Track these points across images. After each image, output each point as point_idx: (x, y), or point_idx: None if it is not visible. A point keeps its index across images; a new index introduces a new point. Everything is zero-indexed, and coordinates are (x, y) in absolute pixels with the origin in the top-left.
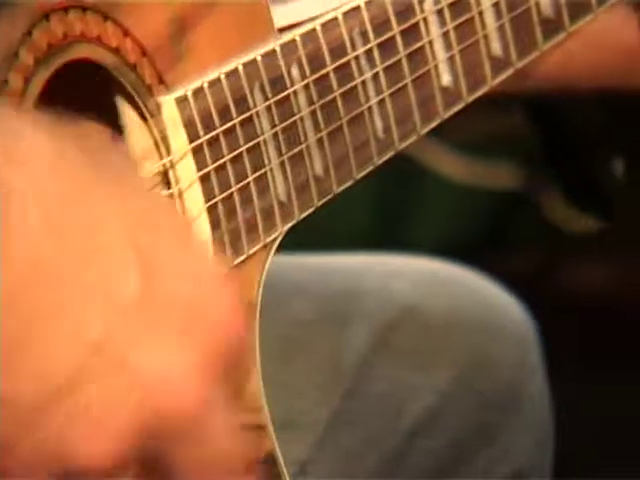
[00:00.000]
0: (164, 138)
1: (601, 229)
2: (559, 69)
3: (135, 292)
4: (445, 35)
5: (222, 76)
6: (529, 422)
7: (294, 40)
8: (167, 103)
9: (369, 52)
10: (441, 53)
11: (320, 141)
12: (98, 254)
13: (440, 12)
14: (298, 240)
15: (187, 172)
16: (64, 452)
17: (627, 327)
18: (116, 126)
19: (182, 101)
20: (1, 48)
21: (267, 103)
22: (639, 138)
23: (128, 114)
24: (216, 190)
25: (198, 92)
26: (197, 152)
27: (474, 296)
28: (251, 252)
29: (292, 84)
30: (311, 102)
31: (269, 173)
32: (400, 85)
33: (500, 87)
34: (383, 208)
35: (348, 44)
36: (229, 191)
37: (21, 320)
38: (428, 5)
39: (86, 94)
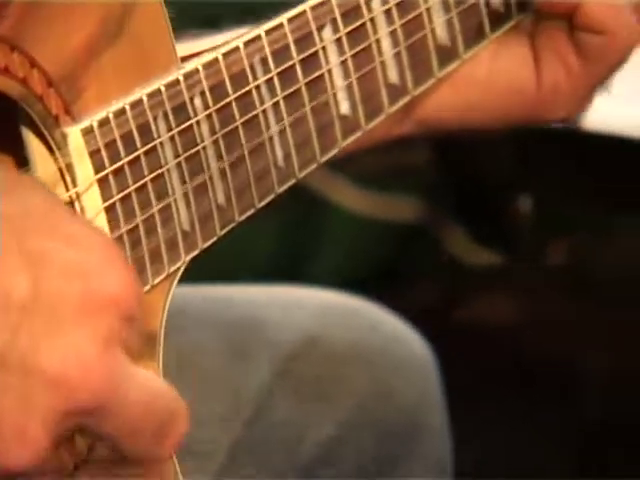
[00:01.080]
0: (70, 168)
1: (503, 264)
2: (458, 115)
3: (26, 293)
4: (343, 63)
5: (127, 106)
6: (429, 453)
7: (197, 69)
8: (73, 134)
9: (270, 81)
10: (339, 81)
11: (222, 170)
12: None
13: (339, 41)
14: (201, 271)
15: (93, 202)
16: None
17: (526, 360)
18: (22, 157)
19: (88, 132)
20: None
21: (170, 133)
22: (548, 175)
23: (34, 145)
24: (121, 220)
25: (103, 123)
26: (103, 182)
27: (375, 328)
28: (155, 282)
29: (195, 114)
30: (213, 132)
31: (173, 203)
32: (300, 114)
33: (405, 131)
34: (286, 240)
35: (249, 73)
36: (134, 222)
37: None
38: (327, 34)
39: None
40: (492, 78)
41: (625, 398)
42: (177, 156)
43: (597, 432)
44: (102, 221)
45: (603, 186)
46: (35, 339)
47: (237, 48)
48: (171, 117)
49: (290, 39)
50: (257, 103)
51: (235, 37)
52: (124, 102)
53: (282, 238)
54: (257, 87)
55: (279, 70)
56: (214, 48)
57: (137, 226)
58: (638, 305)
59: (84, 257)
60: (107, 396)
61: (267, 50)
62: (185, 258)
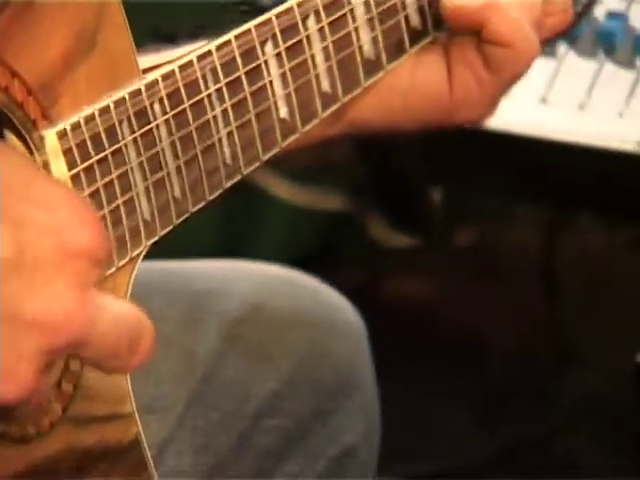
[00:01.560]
0: (46, 166)
1: (418, 246)
2: (382, 118)
3: (10, 252)
4: (283, 75)
5: (96, 112)
6: (359, 407)
7: (156, 80)
8: (49, 136)
9: (219, 90)
10: (279, 90)
11: (178, 168)
12: None
13: (278, 55)
14: (158, 252)
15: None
16: None
17: (438, 330)
18: None
19: (62, 134)
20: None
21: (133, 136)
22: (455, 170)
23: (15, 145)
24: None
25: (76, 126)
26: (75, 178)
27: (312, 296)
28: (120, 264)
29: (155, 119)
30: (170, 134)
31: (135, 196)
32: (245, 119)
33: (336, 132)
34: (229, 227)
35: (201, 83)
36: (102, 212)
37: None
38: (268, 49)
39: None
40: (411, 86)
41: (523, 363)
42: (139, 155)
43: (499, 391)
44: None
45: (504, 180)
46: (20, 291)
47: (191, 62)
48: (134, 121)
49: (237, 53)
50: (208, 109)
51: (189, 52)
52: (94, 108)
53: (226, 225)
54: (208, 95)
55: (227, 80)
56: (171, 61)
57: (104, 216)
58: (533, 283)
59: (58, 216)
60: (85, 332)
61: (217, 63)
62: (146, 243)
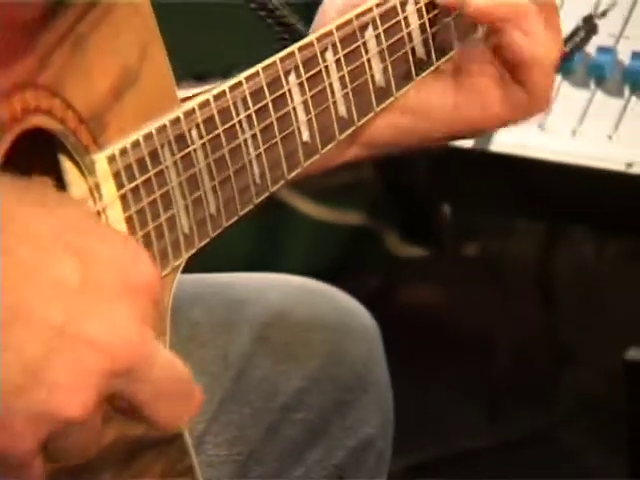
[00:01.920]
0: (97, 187)
1: (430, 257)
2: (393, 138)
3: (77, 281)
4: (305, 102)
5: (140, 138)
6: (374, 401)
7: (193, 109)
8: (100, 160)
9: (249, 117)
10: (302, 116)
11: (214, 187)
12: (45, 260)
13: (301, 84)
14: (197, 263)
15: (115, 214)
16: (52, 414)
17: (448, 331)
18: (60, 179)
19: (111, 159)
20: None
21: (174, 159)
22: (463, 189)
23: (69, 169)
24: (137, 228)
25: (123, 151)
26: (123, 198)
27: (331, 303)
28: (164, 274)
29: (192, 143)
30: (206, 157)
31: (176, 213)
32: (272, 142)
33: (353, 155)
34: (261, 240)
35: (233, 111)
36: (147, 228)
37: None
38: (292, 79)
39: (38, 154)
40: (419, 108)
41: (523, 363)
42: (179, 176)
43: (503, 386)
44: (123, 229)
45: (506, 197)
46: (85, 317)
47: (224, 91)
48: (174, 146)
49: (264, 83)
50: (239, 134)
51: (222, 83)
52: (138, 134)
53: (258, 238)
54: (239, 122)
55: (256, 108)
56: (206, 91)
57: (149, 232)
58: (532, 290)
59: (119, 252)
60: (140, 361)
61: (247, 92)
62: (185, 255)
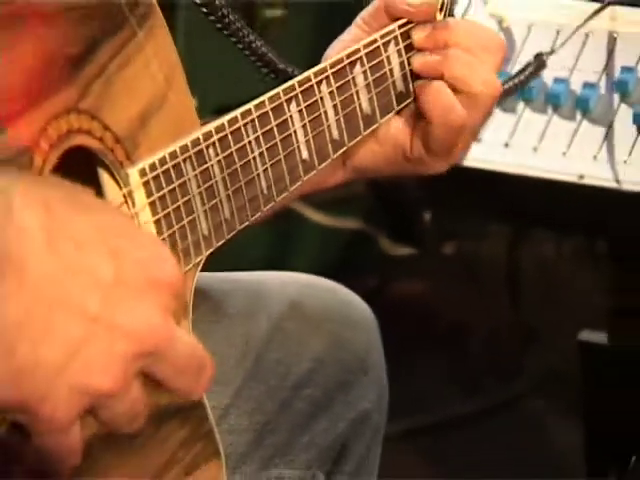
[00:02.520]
0: (130, 195)
1: (415, 255)
2: (371, 165)
3: (111, 277)
4: (304, 126)
5: (166, 155)
6: (372, 381)
7: (211, 131)
8: (133, 173)
9: (257, 138)
10: (301, 138)
11: (228, 196)
12: (85, 258)
13: (300, 111)
14: (225, 263)
15: (145, 217)
16: (88, 388)
17: (430, 320)
18: (99, 189)
19: (142, 172)
20: (28, 139)
21: (194, 172)
22: (442, 198)
23: (107, 181)
24: (164, 229)
25: (152, 166)
26: (152, 205)
27: (335, 297)
28: (186, 269)
29: (210, 160)
30: (222, 171)
31: (197, 218)
32: (276, 159)
33: (343, 177)
34: (275, 243)
35: (244, 133)
36: (172, 230)
37: (43, 305)
38: (293, 107)
39: (81, 168)
40: (385, 140)
41: (494, 344)
42: (199, 187)
43: (478, 365)
44: (152, 230)
45: (478, 205)
46: (117, 307)
47: (236, 117)
48: (195, 162)
49: (269, 110)
50: (249, 152)
51: (235, 110)
52: (165, 152)
53: (273, 242)
54: (249, 142)
55: (263, 130)
56: (222, 117)
57: (174, 233)
58: (501, 283)
59: (147, 253)
60: (162, 344)
61: (255, 117)
62: (205, 254)
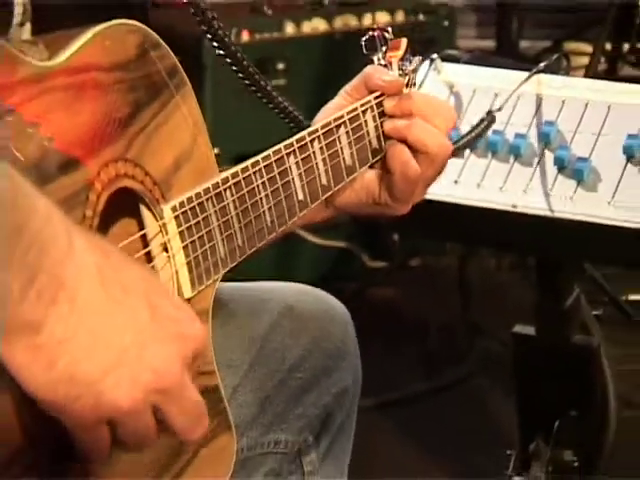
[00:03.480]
0: (164, 227)
1: (387, 267)
2: (349, 207)
3: (147, 321)
4: (300, 175)
5: (193, 195)
6: (349, 366)
7: (227, 177)
8: (166, 209)
9: (263, 183)
10: (298, 183)
11: (241, 228)
12: (130, 301)
13: (297, 163)
14: (237, 274)
15: (176, 244)
16: (112, 403)
17: (397, 318)
18: (140, 221)
19: (174, 208)
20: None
21: (214, 209)
22: (407, 223)
23: (146, 215)
24: (191, 253)
25: (182, 203)
26: (181, 233)
27: (320, 300)
28: (208, 283)
29: (227, 199)
30: (236, 208)
31: (216, 244)
32: (278, 199)
33: (328, 215)
34: (278, 257)
35: (253, 178)
36: (196, 253)
37: (86, 330)
38: (291, 159)
39: (126, 204)
40: (360, 189)
41: (448, 337)
42: (218, 220)
43: (435, 352)
44: (181, 253)
45: (436, 227)
46: (147, 347)
47: (247, 166)
48: (214, 201)
49: (273, 161)
50: (257, 194)
51: (246, 161)
52: (191, 193)
53: (276, 256)
54: (257, 185)
55: (268, 177)
56: (236, 166)
57: (198, 255)
58: (454, 288)
59: (180, 313)
60: (175, 387)
61: (262, 166)
62: (222, 272)
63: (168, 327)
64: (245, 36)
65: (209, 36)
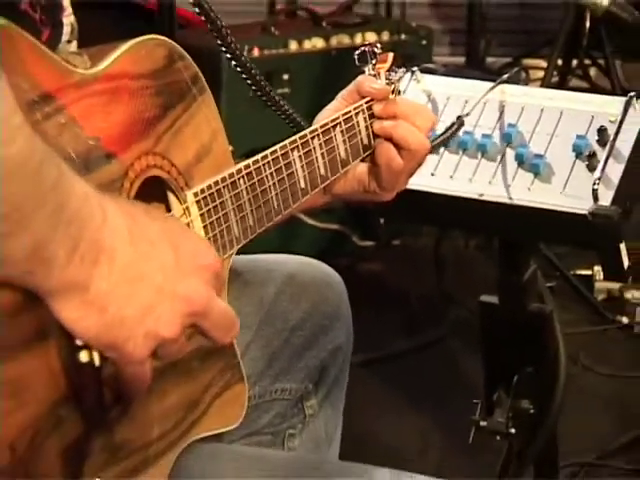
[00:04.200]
0: (187, 210)
1: (373, 246)
2: (343, 194)
3: (172, 263)
4: (302, 166)
5: (212, 183)
6: (343, 325)
7: (241, 168)
8: (189, 195)
9: (271, 173)
10: (300, 174)
11: (252, 211)
12: (157, 250)
13: (300, 156)
14: (248, 250)
15: (197, 224)
16: (157, 335)
17: (382, 289)
18: (167, 205)
19: (196, 194)
20: (120, 173)
21: (230, 194)
22: (391, 208)
23: (173, 200)
24: (210, 232)
25: (202, 190)
26: (202, 215)
27: (318, 270)
28: (225, 257)
29: (240, 187)
30: (248, 194)
31: (231, 224)
32: (283, 187)
33: (326, 200)
34: (282, 236)
35: (263, 169)
36: (215, 232)
37: (125, 281)
38: (295, 153)
39: (155, 190)
40: (353, 178)
41: (426, 306)
42: (232, 204)
43: (413, 319)
44: (201, 232)
45: (415, 213)
46: (176, 282)
47: (257, 159)
48: (230, 188)
49: (280, 154)
50: (266, 182)
51: (257, 155)
52: (210, 181)
53: (280, 235)
54: (266, 175)
55: (275, 168)
56: (248, 159)
57: (216, 234)
58: (430, 263)
59: (197, 248)
60: (206, 308)
61: (270, 159)
62: (236, 248)
63: (190, 262)
64: (255, 52)
65: (225, 52)
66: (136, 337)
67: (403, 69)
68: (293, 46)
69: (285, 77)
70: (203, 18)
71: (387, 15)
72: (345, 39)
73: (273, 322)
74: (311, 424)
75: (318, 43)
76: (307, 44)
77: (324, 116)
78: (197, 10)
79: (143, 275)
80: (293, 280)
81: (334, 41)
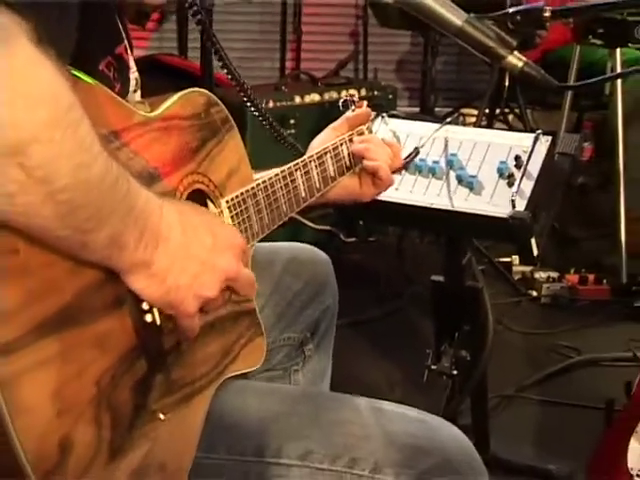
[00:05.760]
0: (222, 213)
1: (357, 242)
2: (334, 200)
3: (211, 244)
4: (303, 182)
5: (239, 194)
6: (330, 291)
7: (259, 183)
8: (223, 202)
9: (281, 186)
10: (302, 187)
11: (268, 214)
12: (200, 235)
13: (301, 175)
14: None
15: (228, 221)
16: (203, 296)
17: (362, 275)
18: (207, 208)
19: (227, 202)
20: (173, 186)
21: (252, 202)
22: (367, 213)
23: (210, 206)
24: (236, 227)
25: (232, 198)
26: (232, 217)
27: (313, 252)
28: (248, 246)
29: (259, 196)
30: (265, 201)
31: (253, 223)
32: (289, 196)
33: (320, 204)
34: (286, 235)
35: (275, 184)
36: (240, 228)
37: (178, 258)
38: (298, 173)
39: (198, 199)
40: (343, 187)
41: (392, 282)
42: (254, 209)
43: (379, 292)
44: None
45: (385, 217)
46: (215, 257)
47: (271, 177)
48: (252, 197)
49: (287, 174)
50: (278, 193)
51: (272, 173)
52: (237, 192)
53: (284, 234)
54: (277, 188)
55: (283, 183)
56: (265, 177)
57: (242, 230)
58: (395, 253)
59: (229, 231)
60: (236, 274)
61: (280, 177)
62: (256, 241)
63: (224, 242)
64: (270, 104)
65: (248, 104)
66: (188, 298)
67: (374, 114)
68: (297, 99)
69: (292, 121)
70: (233, 81)
71: (364, 77)
72: (334, 94)
73: (280, 291)
74: (309, 363)
75: (315, 97)
76: (307, 98)
77: (317, 142)
78: (229, 75)
79: (190, 254)
80: (294, 260)
81: (327, 96)
